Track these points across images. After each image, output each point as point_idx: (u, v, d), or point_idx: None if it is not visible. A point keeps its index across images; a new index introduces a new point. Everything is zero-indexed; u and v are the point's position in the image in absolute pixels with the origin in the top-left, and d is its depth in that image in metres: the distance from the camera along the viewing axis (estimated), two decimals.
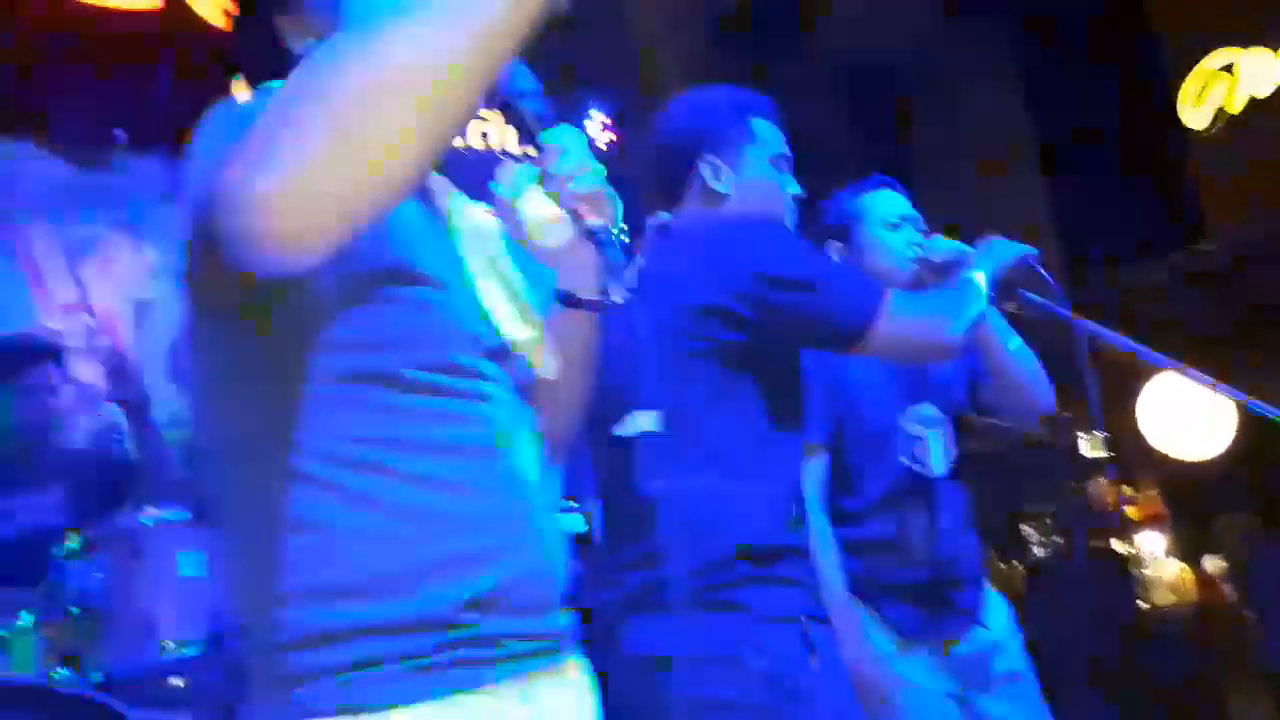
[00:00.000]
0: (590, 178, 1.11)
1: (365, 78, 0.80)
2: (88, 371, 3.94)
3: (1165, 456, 5.49)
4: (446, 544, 0.99)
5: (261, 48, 0.85)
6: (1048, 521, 5.45)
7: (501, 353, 1.10)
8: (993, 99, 5.88)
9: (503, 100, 1.13)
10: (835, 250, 2.33)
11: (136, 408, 4.01)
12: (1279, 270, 5.14)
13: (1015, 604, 2.35)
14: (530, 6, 0.87)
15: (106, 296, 4.09)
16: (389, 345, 1.00)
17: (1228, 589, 5.15)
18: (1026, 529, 5.56)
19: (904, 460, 2.19)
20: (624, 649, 1.54)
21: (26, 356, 3.01)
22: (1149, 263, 5.58)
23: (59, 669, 2.17)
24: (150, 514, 2.38)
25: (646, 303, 1.42)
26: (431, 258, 1.06)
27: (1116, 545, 4.90)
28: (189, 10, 4.10)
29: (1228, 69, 5.59)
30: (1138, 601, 4.72)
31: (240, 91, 4.12)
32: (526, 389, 1.14)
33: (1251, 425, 4.87)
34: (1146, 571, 5.07)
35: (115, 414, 3.98)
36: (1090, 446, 5.43)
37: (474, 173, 1.32)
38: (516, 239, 1.18)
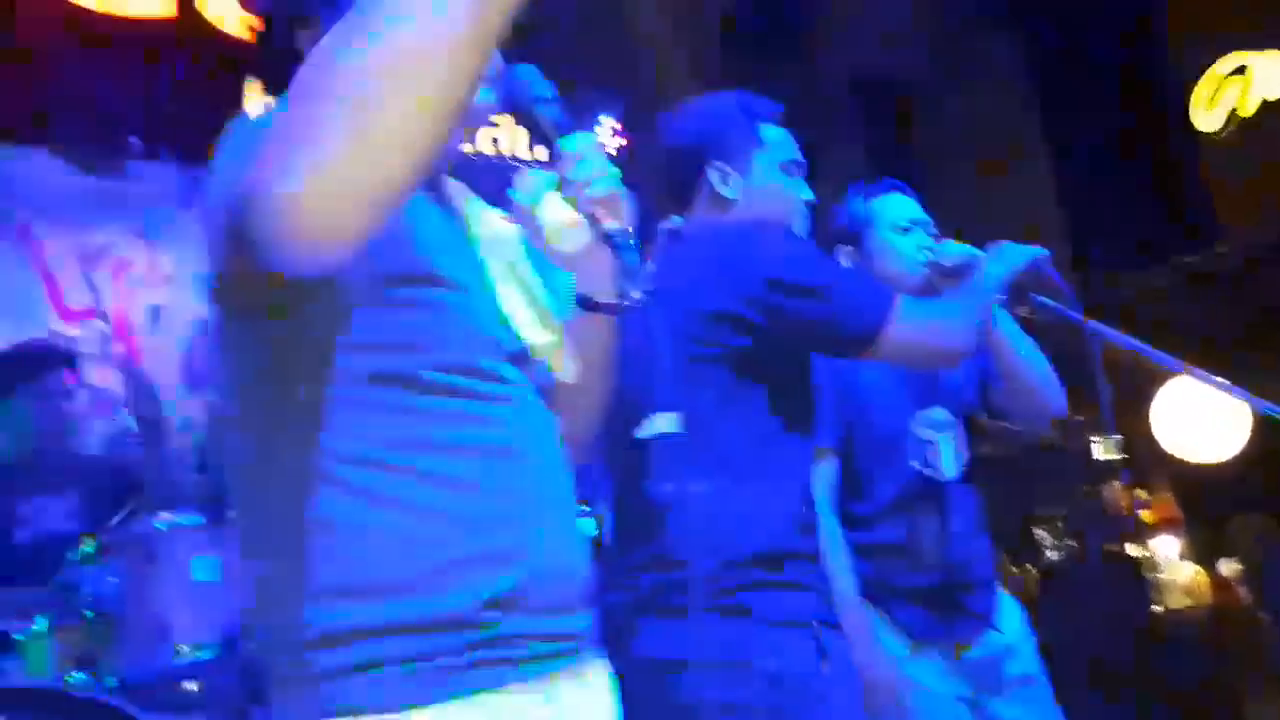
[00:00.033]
0: (607, 182, 1.12)
1: (371, 71, 0.82)
2: (102, 377, 3.96)
3: (1179, 459, 5.46)
4: (468, 544, 1.01)
5: (281, 58, 0.86)
6: (1060, 525, 5.43)
7: (521, 356, 1.12)
8: (1000, 102, 5.86)
9: (520, 107, 1.15)
10: (845, 254, 2.33)
11: (150, 413, 4.03)
12: None
13: (1028, 607, 2.35)
14: None
15: (120, 302, 4.11)
16: (410, 347, 1.02)
17: (1242, 592, 5.12)
18: (1039, 532, 5.53)
19: (915, 464, 2.19)
20: (634, 652, 1.54)
21: (42, 362, 3.03)
22: (1160, 265, 5.55)
23: (74, 673, 2.18)
24: (164, 518, 2.39)
25: (657, 308, 1.43)
26: (452, 262, 1.08)
27: (1130, 548, 4.88)
28: (202, 18, 4.12)
29: (1240, 71, 5.58)
30: (1151, 605, 4.70)
31: (254, 97, 4.16)
32: (546, 393, 1.16)
33: (1265, 428, 4.84)
34: (1160, 575, 5.05)
35: (129, 419, 4.00)
36: (1103, 450, 5.40)
37: (488, 179, 1.33)
38: (535, 244, 1.19)
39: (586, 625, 1.12)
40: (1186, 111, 5.67)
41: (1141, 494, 5.61)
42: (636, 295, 1.14)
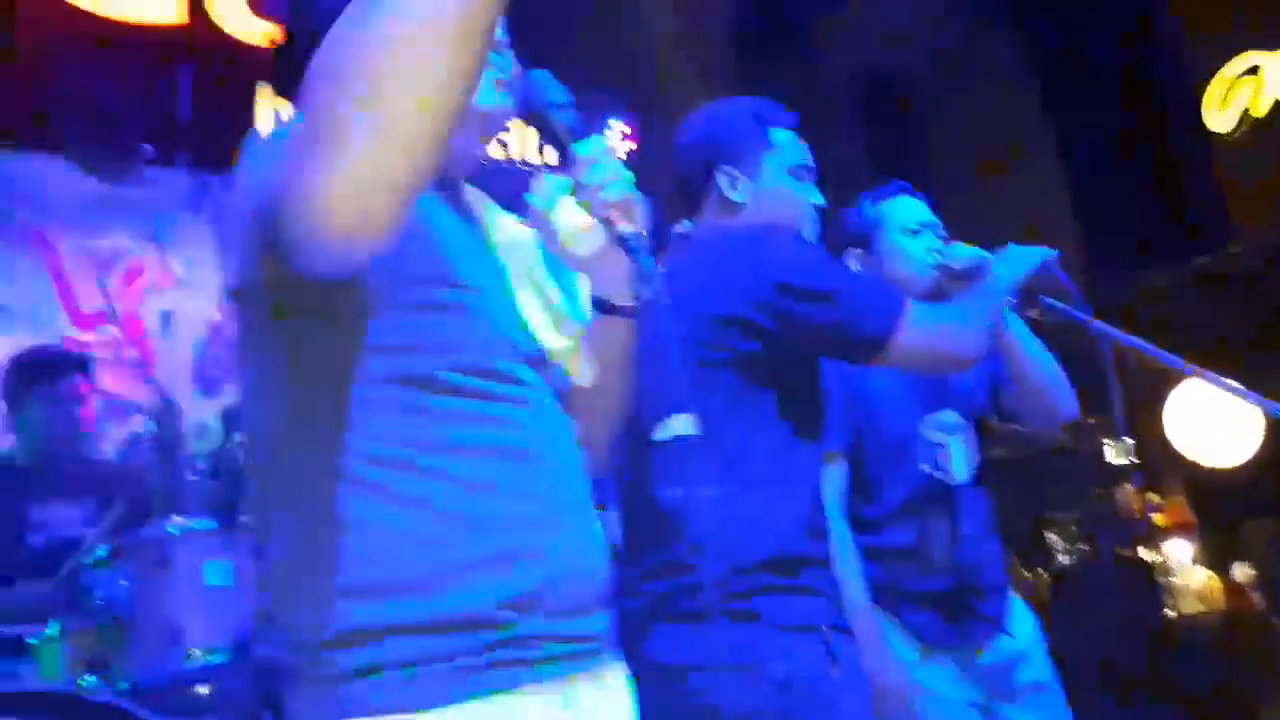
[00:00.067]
0: (621, 186, 1.13)
1: (377, 66, 0.84)
2: (115, 382, 3.98)
3: (1192, 463, 5.43)
4: (485, 544, 1.02)
5: (298, 67, 0.89)
6: (1073, 529, 5.41)
7: (539, 360, 1.13)
8: (1005, 102, 5.84)
9: (535, 113, 1.16)
10: (855, 257, 2.33)
11: (163, 418, 4.05)
12: None
13: (1040, 612, 2.34)
14: None
15: (133, 307, 4.13)
16: (429, 349, 1.04)
17: (1256, 597, 5.09)
18: (1051, 536, 5.51)
19: (925, 467, 2.18)
20: (645, 657, 1.54)
21: (54, 368, 3.04)
22: (1172, 266, 5.53)
23: (86, 677, 2.18)
24: (177, 523, 2.40)
25: (666, 311, 1.43)
26: (470, 266, 1.10)
27: (1143, 552, 4.85)
28: (213, 24, 4.14)
29: (1253, 72, 5.56)
30: (1164, 609, 4.67)
31: (264, 103, 4.18)
32: (563, 396, 1.17)
33: (1278, 431, 4.83)
34: (1173, 579, 5.02)
35: (142, 424, 4.02)
36: (1115, 453, 5.38)
37: (501, 184, 1.34)
38: (550, 248, 1.20)
39: (604, 627, 1.13)
40: (1197, 111, 5.64)
41: (1154, 498, 5.58)
42: (651, 294, 1.15)
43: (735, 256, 1.69)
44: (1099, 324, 1.91)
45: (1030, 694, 2.18)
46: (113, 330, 4.07)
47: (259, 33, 4.21)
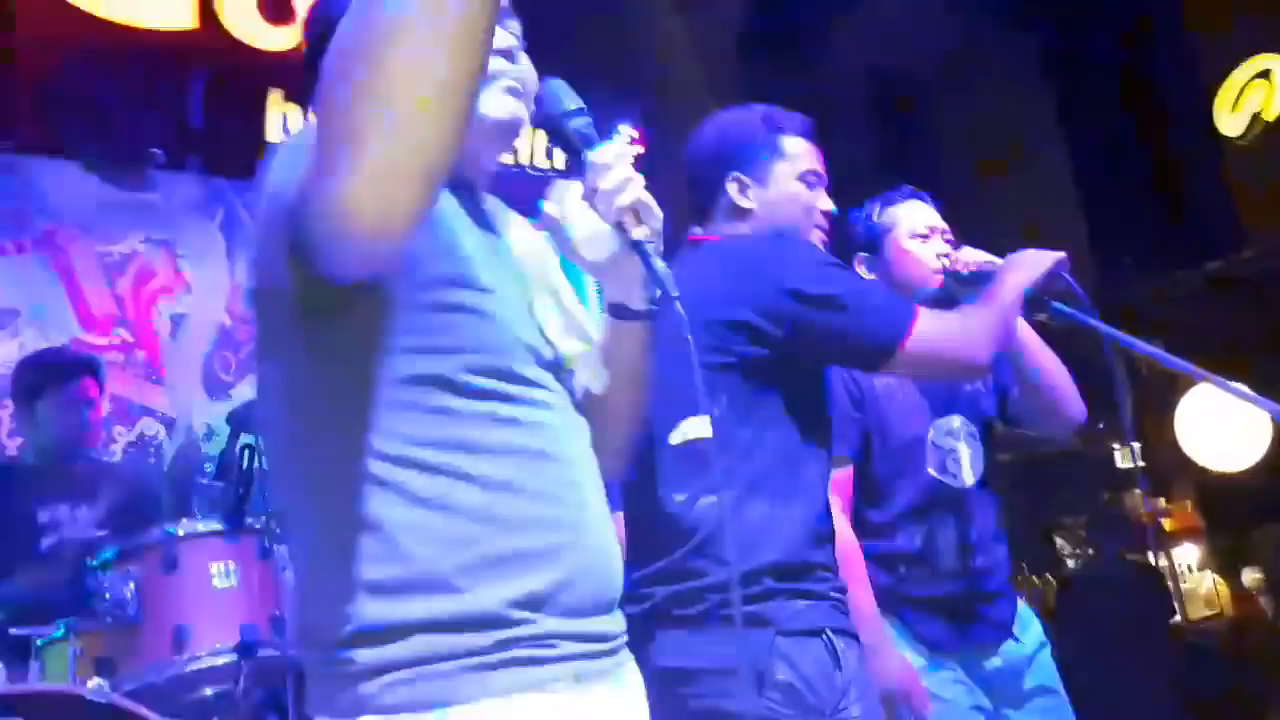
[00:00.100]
0: (634, 191, 1.13)
1: (385, 64, 0.86)
2: (125, 386, 3.99)
3: (1200, 468, 5.41)
4: (501, 544, 1.03)
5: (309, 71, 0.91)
6: (1081, 533, 5.39)
7: (555, 364, 1.15)
8: (1011, 104, 5.83)
9: (550, 120, 1.17)
10: (864, 261, 2.32)
11: (171, 421, 4.06)
12: None
13: (1047, 617, 2.33)
14: None
15: (143, 311, 4.15)
16: (446, 351, 1.05)
17: (1264, 601, 5.07)
18: (1059, 541, 5.50)
19: (932, 471, 2.18)
20: (648, 661, 1.54)
21: (65, 371, 3.05)
22: (1183, 270, 5.51)
23: (92, 678, 2.19)
24: (184, 525, 2.40)
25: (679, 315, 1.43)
26: (487, 270, 1.11)
27: (1151, 558, 4.84)
28: (223, 29, 4.15)
29: (1264, 75, 5.54)
30: (1172, 615, 4.66)
31: (275, 108, 4.19)
32: (580, 402, 1.18)
33: None
34: (1181, 584, 5.01)
35: (151, 427, 4.03)
36: (1123, 458, 5.37)
37: (515, 188, 1.35)
38: (564, 253, 1.21)
39: (619, 627, 1.14)
40: (1206, 114, 5.62)
41: (1163, 502, 5.56)
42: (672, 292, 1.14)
43: (744, 263, 1.69)
44: (1107, 328, 1.90)
45: (1037, 699, 2.17)
46: (122, 333, 4.08)
47: (270, 39, 4.22)
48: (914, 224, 2.28)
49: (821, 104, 2.15)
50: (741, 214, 1.83)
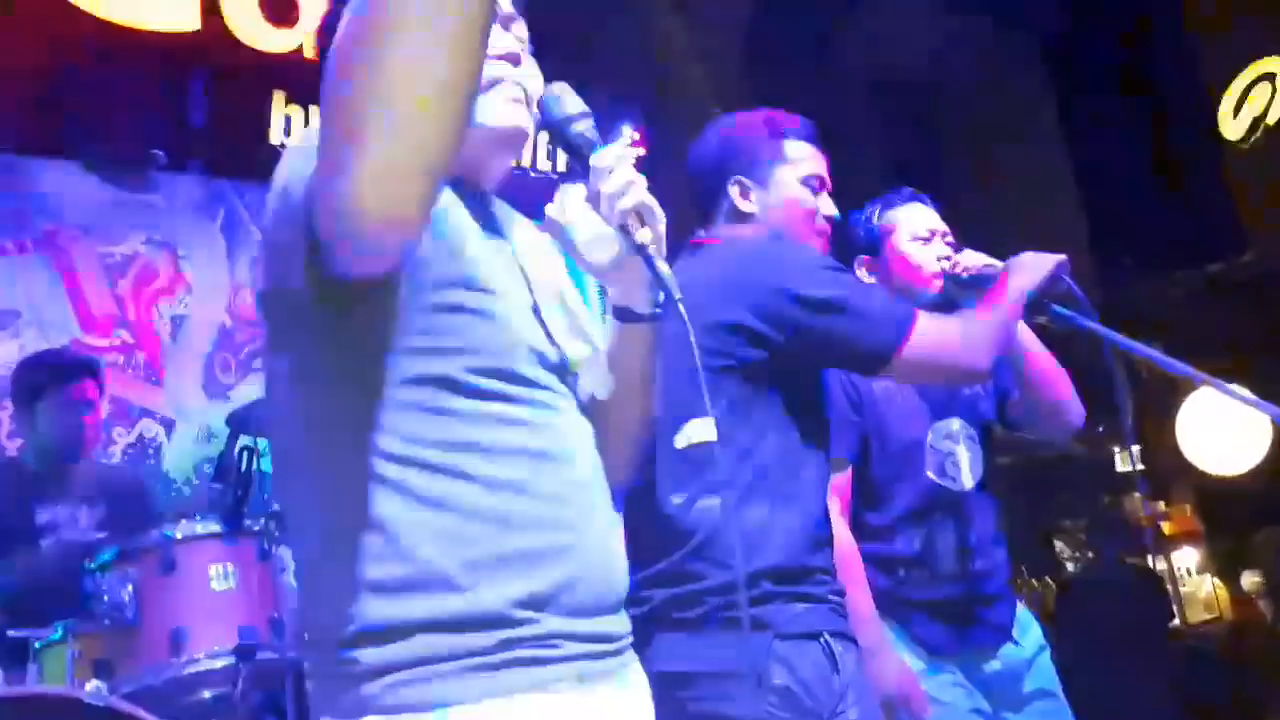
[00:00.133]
0: (638, 194, 1.13)
1: (388, 69, 0.88)
2: (125, 387, 3.99)
3: (1200, 471, 5.41)
4: (504, 543, 1.03)
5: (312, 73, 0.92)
6: (1080, 537, 5.39)
7: (560, 366, 1.15)
8: (1014, 104, 5.83)
9: (554, 124, 1.17)
10: (865, 264, 2.32)
11: (171, 423, 4.06)
12: None
13: (1047, 620, 2.33)
14: None
15: (143, 312, 4.15)
16: (451, 351, 1.06)
17: (1264, 605, 5.07)
18: (1059, 544, 5.50)
19: (931, 475, 2.18)
20: (646, 665, 1.54)
21: (65, 372, 3.04)
22: (1183, 272, 5.51)
23: (90, 680, 2.19)
24: (182, 527, 2.40)
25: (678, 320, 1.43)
26: (493, 272, 1.12)
27: (1150, 561, 4.84)
28: (226, 31, 4.15)
29: (1266, 79, 5.54)
30: (1171, 618, 4.66)
31: (278, 110, 4.19)
32: (586, 405, 1.19)
33: None
34: (1181, 588, 5.01)
35: (151, 429, 4.03)
36: (1123, 461, 5.36)
37: (519, 192, 1.35)
38: (569, 257, 1.21)
39: (624, 628, 1.15)
40: (1209, 117, 5.62)
41: (1163, 506, 5.56)
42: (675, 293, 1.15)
43: (745, 266, 1.69)
44: (1107, 331, 1.90)
45: (1036, 703, 2.17)
46: (123, 335, 4.08)
47: (272, 40, 4.22)
48: (915, 226, 2.28)
49: (822, 104, 2.15)
50: (743, 217, 1.83)
